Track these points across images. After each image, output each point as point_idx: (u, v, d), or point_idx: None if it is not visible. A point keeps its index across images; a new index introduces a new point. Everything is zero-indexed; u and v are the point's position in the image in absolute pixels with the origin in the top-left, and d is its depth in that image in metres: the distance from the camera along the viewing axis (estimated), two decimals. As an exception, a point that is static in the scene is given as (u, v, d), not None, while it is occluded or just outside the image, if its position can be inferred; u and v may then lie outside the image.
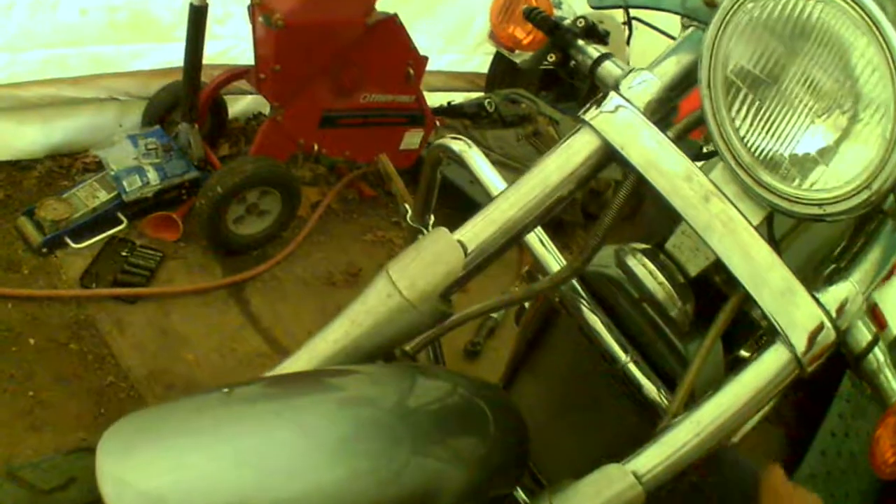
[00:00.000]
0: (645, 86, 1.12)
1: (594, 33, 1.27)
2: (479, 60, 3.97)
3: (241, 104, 3.34)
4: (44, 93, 2.82)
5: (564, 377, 1.47)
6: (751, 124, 1.01)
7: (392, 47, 2.88)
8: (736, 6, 0.99)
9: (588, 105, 1.12)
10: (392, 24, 2.81)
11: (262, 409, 0.89)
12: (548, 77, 4.11)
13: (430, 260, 1.08)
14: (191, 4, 2.63)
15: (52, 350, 2.28)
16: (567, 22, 1.27)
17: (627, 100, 1.10)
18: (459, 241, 1.08)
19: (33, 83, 2.78)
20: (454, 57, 3.88)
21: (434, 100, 3.41)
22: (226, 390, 0.90)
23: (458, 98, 3.69)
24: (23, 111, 2.85)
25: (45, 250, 2.57)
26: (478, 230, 1.09)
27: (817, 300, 0.98)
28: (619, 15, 3.63)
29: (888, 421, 0.97)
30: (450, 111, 3.46)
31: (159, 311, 2.51)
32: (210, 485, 0.79)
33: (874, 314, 2.50)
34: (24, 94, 2.78)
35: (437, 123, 3.25)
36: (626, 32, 3.73)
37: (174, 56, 2.86)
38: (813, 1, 0.94)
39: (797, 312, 0.98)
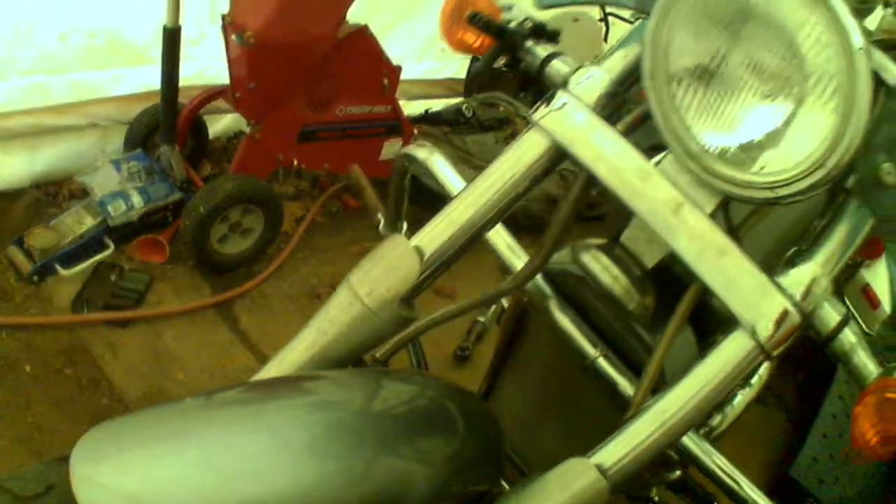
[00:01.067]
0: (593, 81, 1.11)
1: (542, 33, 1.28)
2: (457, 66, 3.98)
3: (221, 123, 3.37)
4: (26, 122, 2.85)
5: (543, 375, 1.49)
6: (696, 113, 1.01)
7: (364, 59, 2.91)
8: None
9: (538, 104, 1.12)
10: (363, 36, 2.84)
11: (233, 414, 0.93)
12: (526, 78, 4.11)
13: (387, 267, 1.10)
14: (164, 27, 2.66)
15: (47, 376, 2.32)
16: (513, 24, 1.28)
17: (575, 97, 1.10)
18: (417, 247, 1.10)
19: (16, 113, 2.80)
20: (431, 65, 3.90)
21: (414, 108, 3.45)
22: (201, 398, 0.93)
23: (439, 105, 3.72)
24: (6, 141, 2.87)
25: (35, 278, 2.59)
26: (434, 234, 1.11)
27: (778, 285, 0.98)
28: (596, 12, 3.66)
29: (866, 401, 0.96)
30: (428, 119, 3.49)
31: (151, 333, 2.55)
32: (181, 485, 0.82)
33: (866, 294, 2.52)
34: (6, 124, 2.80)
35: (416, 132, 3.28)
36: (603, 29, 3.76)
37: (152, 79, 2.88)
38: None
39: (756, 299, 0.97)
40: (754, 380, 1.66)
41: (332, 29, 2.75)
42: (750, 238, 1.13)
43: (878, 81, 0.92)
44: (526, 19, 1.27)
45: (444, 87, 3.99)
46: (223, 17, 2.74)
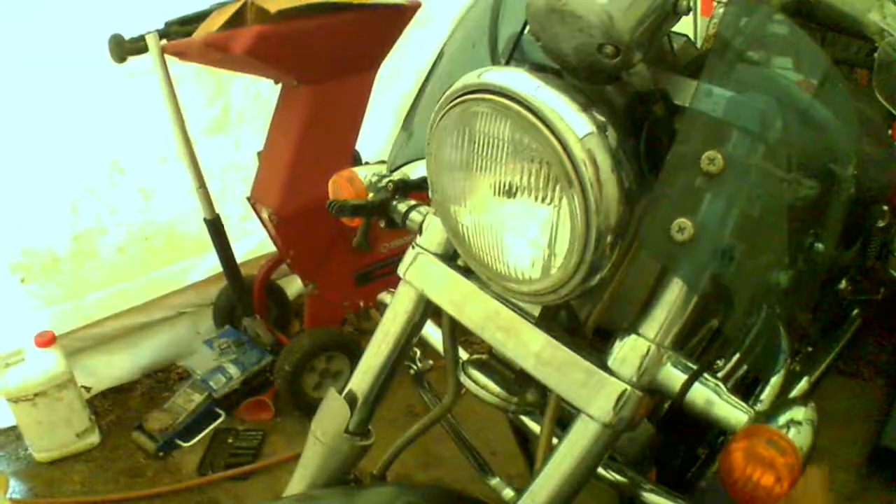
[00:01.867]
0: (434, 225, 1.20)
1: (409, 186, 1.33)
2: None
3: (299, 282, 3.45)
4: (120, 324, 3.14)
5: None
6: (474, 236, 1.04)
7: None
8: (444, 111, 1.01)
9: (402, 260, 1.23)
10: None
11: None
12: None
13: (327, 412, 1.35)
14: (204, 219, 2.88)
15: None
16: (371, 195, 1.34)
17: (421, 247, 1.20)
18: (348, 392, 1.32)
19: (108, 318, 3.09)
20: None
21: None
22: None
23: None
24: (106, 344, 3.16)
25: (161, 454, 2.85)
26: (355, 381, 1.32)
27: (609, 369, 0.99)
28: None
29: (739, 445, 0.90)
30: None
31: (271, 480, 2.76)
32: None
33: None
34: (103, 330, 3.10)
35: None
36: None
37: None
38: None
39: (591, 389, 0.99)
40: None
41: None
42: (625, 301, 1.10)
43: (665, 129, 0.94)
44: (387, 182, 1.33)
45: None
46: (248, 199, 2.94)
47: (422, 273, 1.20)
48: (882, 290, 1.86)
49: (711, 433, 1.50)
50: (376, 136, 3.36)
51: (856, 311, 2.14)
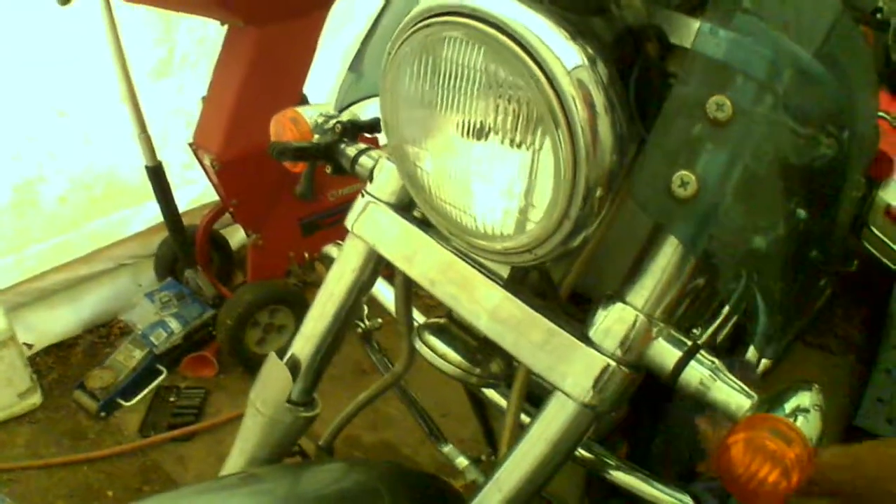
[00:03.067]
0: (387, 173, 1.09)
1: (358, 128, 1.22)
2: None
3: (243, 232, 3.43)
4: (60, 278, 3.05)
5: None
6: (436, 184, 0.94)
7: None
8: (401, 42, 0.89)
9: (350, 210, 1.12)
10: None
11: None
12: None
13: (267, 381, 1.24)
14: (146, 167, 2.83)
15: (128, 497, 2.50)
16: (317, 137, 1.22)
17: (372, 195, 1.09)
18: (291, 357, 1.20)
19: (48, 272, 3.01)
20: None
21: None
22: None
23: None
24: (48, 298, 3.08)
25: (103, 414, 2.80)
26: (299, 345, 1.21)
27: (589, 340, 0.89)
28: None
29: (739, 436, 0.80)
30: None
31: (214, 441, 2.71)
32: None
33: (891, 214, 2.34)
34: (42, 284, 3.02)
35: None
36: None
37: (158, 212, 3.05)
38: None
39: (568, 361, 0.89)
40: None
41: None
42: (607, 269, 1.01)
43: (664, 74, 0.83)
44: (335, 123, 1.22)
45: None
46: (189, 145, 2.86)
47: (372, 225, 1.08)
48: (855, 263, 1.77)
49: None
50: (325, 80, 3.26)
51: (824, 282, 2.11)
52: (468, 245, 0.95)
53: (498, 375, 1.05)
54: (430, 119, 0.90)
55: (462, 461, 1.43)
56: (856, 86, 0.86)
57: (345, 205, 3.13)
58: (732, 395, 0.85)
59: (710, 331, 1.28)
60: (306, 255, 3.06)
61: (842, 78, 0.82)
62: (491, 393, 1.29)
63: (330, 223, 3.05)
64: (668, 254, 0.87)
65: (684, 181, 0.78)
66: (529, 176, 0.84)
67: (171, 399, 2.88)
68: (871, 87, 0.91)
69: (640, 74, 0.83)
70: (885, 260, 1.01)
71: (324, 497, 1.09)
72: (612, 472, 1.18)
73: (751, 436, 0.79)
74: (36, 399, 2.87)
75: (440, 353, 1.04)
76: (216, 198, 3.05)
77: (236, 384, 2.96)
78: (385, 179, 1.09)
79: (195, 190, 3.29)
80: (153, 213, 3.13)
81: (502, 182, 0.87)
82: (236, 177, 2.79)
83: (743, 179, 0.79)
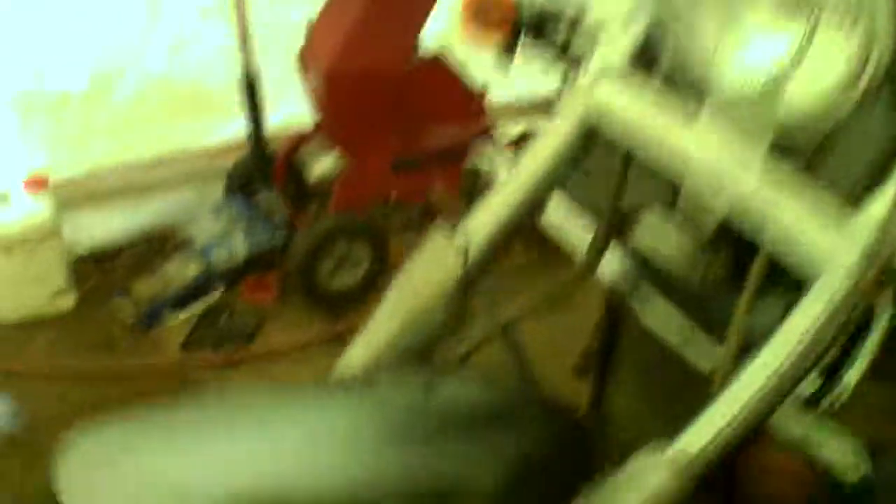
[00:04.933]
0: (619, 39, 1.06)
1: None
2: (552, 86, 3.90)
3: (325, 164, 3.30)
4: (121, 180, 2.96)
5: (645, 362, 1.41)
6: (720, 43, 0.94)
7: (444, 84, 2.85)
8: None
9: (568, 77, 1.10)
10: (438, 62, 2.79)
11: (277, 415, 0.96)
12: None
13: (427, 266, 1.10)
14: (241, 76, 2.77)
15: None
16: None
17: (604, 61, 1.06)
18: (462, 239, 1.07)
19: (109, 171, 2.93)
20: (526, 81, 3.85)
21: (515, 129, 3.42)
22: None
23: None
24: (103, 199, 2.97)
25: (146, 324, 2.63)
26: (478, 225, 1.07)
27: (857, 223, 0.85)
28: None
29: None
30: (526, 139, 3.43)
31: (262, 372, 2.54)
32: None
33: None
34: (100, 185, 2.92)
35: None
36: None
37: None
38: None
39: (832, 242, 0.85)
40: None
41: (405, 56, 2.72)
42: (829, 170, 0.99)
43: None
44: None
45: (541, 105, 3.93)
46: (298, 56, 2.80)
47: (597, 96, 1.04)
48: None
49: None
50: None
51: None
52: (721, 111, 0.94)
53: (719, 277, 1.02)
54: None
55: None
56: None
57: (441, 150, 2.88)
58: None
59: None
60: (393, 193, 2.94)
61: None
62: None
63: (423, 165, 2.90)
64: None
65: None
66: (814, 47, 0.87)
67: (222, 320, 2.71)
68: None
69: None
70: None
71: (448, 415, 0.98)
72: None
73: None
74: (69, 301, 2.71)
75: (666, 240, 1.02)
76: (299, 127, 2.97)
77: (294, 314, 2.78)
78: (617, 46, 1.05)
79: (284, 112, 3.16)
80: (232, 130, 3.07)
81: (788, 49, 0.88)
82: (343, 92, 2.68)
83: None
